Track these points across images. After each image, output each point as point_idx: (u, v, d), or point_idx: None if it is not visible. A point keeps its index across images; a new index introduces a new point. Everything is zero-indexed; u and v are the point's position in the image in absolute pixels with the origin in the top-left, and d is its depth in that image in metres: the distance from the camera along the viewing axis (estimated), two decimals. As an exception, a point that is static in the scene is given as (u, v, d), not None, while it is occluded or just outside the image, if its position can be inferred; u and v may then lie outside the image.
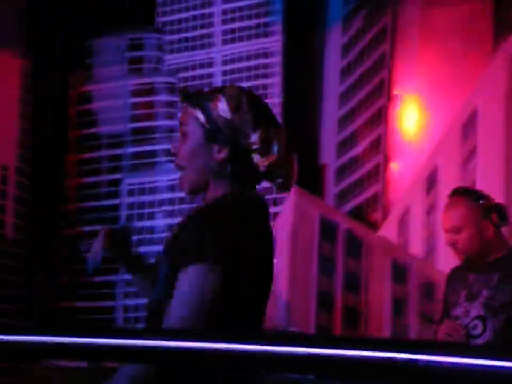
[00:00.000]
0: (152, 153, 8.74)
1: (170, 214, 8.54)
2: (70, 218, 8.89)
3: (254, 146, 2.13)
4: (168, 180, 8.59)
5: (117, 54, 8.91)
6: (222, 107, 2.15)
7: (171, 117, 8.77)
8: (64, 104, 8.95)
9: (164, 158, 8.67)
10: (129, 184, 8.77)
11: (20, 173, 8.30)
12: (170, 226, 8.52)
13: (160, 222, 8.56)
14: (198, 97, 2.20)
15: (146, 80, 8.87)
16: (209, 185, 2.13)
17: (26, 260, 8.18)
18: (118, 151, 8.83)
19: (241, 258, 1.99)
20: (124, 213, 8.72)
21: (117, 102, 8.89)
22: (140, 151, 8.79)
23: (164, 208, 8.60)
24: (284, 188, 2.13)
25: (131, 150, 8.82)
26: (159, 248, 8.50)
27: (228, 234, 2.00)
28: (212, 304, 1.94)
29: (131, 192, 8.74)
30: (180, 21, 8.85)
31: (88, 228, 8.77)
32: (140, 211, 8.69)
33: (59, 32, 8.06)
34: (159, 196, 8.63)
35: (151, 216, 8.63)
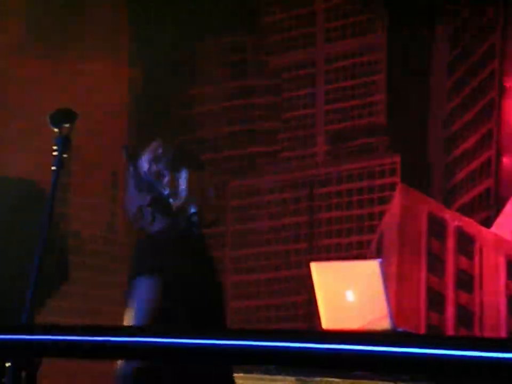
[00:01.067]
0: (255, 156, 8.74)
1: (273, 215, 8.52)
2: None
3: (166, 191, 2.52)
4: (271, 182, 8.57)
5: (218, 57, 8.95)
6: (144, 159, 2.55)
7: (272, 118, 8.76)
8: (168, 108, 9.05)
9: (266, 160, 8.66)
10: (233, 187, 8.78)
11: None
12: (273, 228, 8.50)
13: (264, 223, 8.54)
14: (133, 153, 2.62)
15: (248, 82, 8.88)
16: (147, 220, 2.53)
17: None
18: (220, 154, 8.86)
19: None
20: (228, 216, 8.73)
21: (219, 105, 8.93)
22: (242, 154, 8.80)
23: (266, 210, 8.58)
24: (198, 226, 2.52)
25: (233, 152, 8.84)
26: (264, 249, 8.50)
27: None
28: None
29: (234, 195, 8.76)
30: (281, 21, 8.84)
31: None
32: (243, 213, 8.70)
33: (165, 37, 8.15)
34: (262, 198, 8.62)
35: (254, 218, 8.62)
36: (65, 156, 2.42)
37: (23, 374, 2.27)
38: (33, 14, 7.07)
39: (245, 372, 3.31)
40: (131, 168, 2.58)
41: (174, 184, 2.53)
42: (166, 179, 2.54)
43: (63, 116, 2.42)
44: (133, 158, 2.61)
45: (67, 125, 2.40)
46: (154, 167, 2.54)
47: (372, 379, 2.98)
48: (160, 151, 2.57)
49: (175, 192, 2.52)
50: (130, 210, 2.58)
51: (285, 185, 8.44)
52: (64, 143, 2.37)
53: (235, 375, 2.57)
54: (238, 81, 8.91)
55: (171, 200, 2.52)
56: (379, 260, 3.19)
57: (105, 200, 8.60)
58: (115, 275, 7.76)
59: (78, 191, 8.30)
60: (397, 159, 7.89)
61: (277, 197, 8.51)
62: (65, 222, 7.87)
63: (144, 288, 2.41)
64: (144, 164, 2.56)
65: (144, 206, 2.54)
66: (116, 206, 8.63)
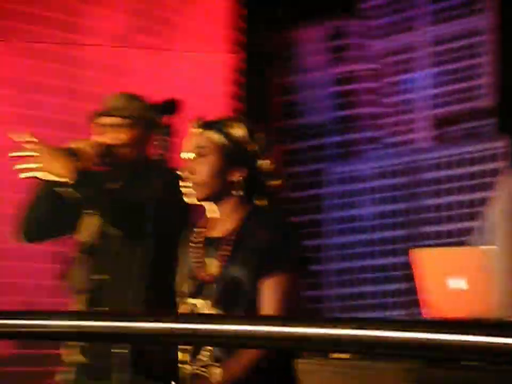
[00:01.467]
0: (357, 141, 8.66)
1: (376, 202, 8.42)
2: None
3: (265, 170, 2.48)
4: (373, 168, 8.47)
5: (321, 43, 8.90)
6: (241, 133, 2.48)
7: (375, 104, 8.65)
8: (269, 95, 9.05)
9: (368, 146, 8.57)
10: (334, 173, 8.72)
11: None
12: (377, 215, 8.40)
13: (366, 210, 8.45)
14: (217, 123, 2.53)
15: (350, 68, 8.80)
16: (222, 201, 2.50)
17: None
18: (322, 141, 8.82)
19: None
20: (328, 203, 8.69)
21: (321, 92, 8.88)
22: (344, 140, 8.73)
23: (369, 196, 8.48)
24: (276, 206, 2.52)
25: (335, 139, 8.78)
26: (366, 236, 8.41)
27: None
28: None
29: (336, 181, 8.70)
30: (380, 6, 8.72)
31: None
32: (345, 200, 8.63)
33: (263, 24, 8.15)
34: (364, 184, 8.53)
35: (356, 205, 8.54)
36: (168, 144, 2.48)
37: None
38: (135, 4, 7.15)
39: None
40: (220, 137, 2.52)
41: (274, 165, 2.53)
42: (267, 158, 2.53)
43: (167, 105, 2.46)
44: (217, 128, 2.54)
45: (171, 115, 2.42)
46: (254, 143, 2.50)
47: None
48: (255, 128, 2.54)
49: (274, 172, 2.51)
50: (207, 186, 2.52)
51: (385, 171, 8.33)
52: (168, 132, 2.40)
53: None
54: (340, 67, 8.84)
55: (267, 179, 2.50)
56: (493, 246, 3.04)
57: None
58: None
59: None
60: (505, 143, 7.67)
61: (377, 183, 8.41)
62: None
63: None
64: (243, 137, 2.52)
65: (235, 181, 2.50)
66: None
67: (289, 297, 2.40)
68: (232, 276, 2.43)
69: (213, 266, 2.52)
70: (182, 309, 2.54)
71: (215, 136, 2.51)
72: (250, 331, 1.39)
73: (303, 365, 2.64)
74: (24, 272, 6.04)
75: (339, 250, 8.54)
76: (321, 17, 8.68)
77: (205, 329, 1.43)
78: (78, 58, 6.72)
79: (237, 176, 2.49)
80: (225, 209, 2.52)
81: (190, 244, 2.60)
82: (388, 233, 8.32)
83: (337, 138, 8.78)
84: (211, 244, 2.54)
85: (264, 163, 2.51)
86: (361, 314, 8.16)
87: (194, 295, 2.53)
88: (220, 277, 2.48)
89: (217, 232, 2.54)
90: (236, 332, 1.40)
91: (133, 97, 3.01)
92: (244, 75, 8.27)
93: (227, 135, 2.51)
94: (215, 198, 2.51)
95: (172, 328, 1.45)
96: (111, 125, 2.92)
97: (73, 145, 2.88)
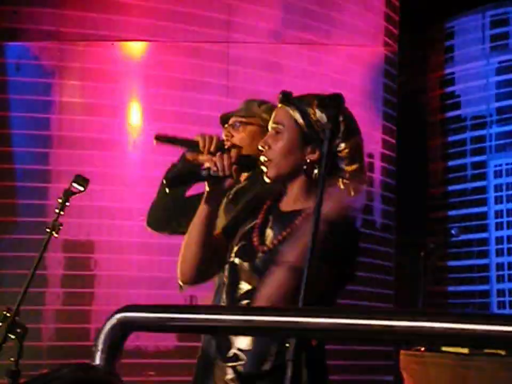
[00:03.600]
0: (519, 132, 8.36)
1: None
2: (436, 202, 8.81)
3: (343, 154, 2.39)
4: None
5: (479, 32, 8.66)
6: (320, 113, 2.39)
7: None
8: (424, 88, 8.91)
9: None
10: (496, 165, 8.46)
11: (385, 159, 8.36)
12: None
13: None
14: (298, 100, 2.45)
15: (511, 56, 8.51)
16: (293, 180, 2.43)
17: (394, 245, 8.23)
18: (482, 132, 8.58)
19: None
20: (491, 195, 8.44)
21: (480, 82, 8.64)
22: (505, 131, 8.45)
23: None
24: (353, 192, 2.41)
25: (496, 130, 8.52)
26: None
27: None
28: None
29: (498, 174, 8.44)
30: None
31: (453, 212, 8.64)
32: (508, 192, 8.35)
33: (420, 14, 8.04)
34: (528, 176, 8.23)
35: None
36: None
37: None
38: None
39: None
40: (298, 115, 2.47)
41: (354, 149, 2.50)
42: (347, 142, 2.49)
43: (331, 99, 2.35)
44: (297, 105, 2.48)
45: (335, 110, 2.33)
46: (333, 125, 2.34)
47: None
48: (338, 109, 2.38)
49: (353, 157, 2.49)
50: (281, 163, 2.49)
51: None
52: (332, 128, 2.30)
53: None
54: (500, 56, 8.56)
55: (344, 163, 2.48)
56: None
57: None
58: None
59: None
60: None
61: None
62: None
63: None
64: (321, 117, 2.45)
65: (309, 161, 2.47)
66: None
67: (326, 289, 2.35)
68: (283, 254, 2.35)
69: (269, 238, 2.48)
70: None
71: (294, 113, 2.46)
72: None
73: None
74: (152, 265, 6.26)
75: (506, 244, 8.26)
76: (479, 4, 8.45)
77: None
78: (234, 56, 6.86)
79: (310, 157, 2.44)
80: (295, 190, 2.48)
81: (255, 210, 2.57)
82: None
83: (497, 130, 8.51)
84: (276, 217, 2.49)
85: (342, 147, 2.44)
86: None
87: (239, 255, 2.50)
88: (272, 250, 2.43)
89: (284, 207, 2.51)
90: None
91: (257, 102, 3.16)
92: (397, 68, 8.19)
93: (306, 114, 2.44)
94: (287, 177, 2.47)
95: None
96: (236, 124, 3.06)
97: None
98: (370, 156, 8.48)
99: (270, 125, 2.54)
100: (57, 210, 2.98)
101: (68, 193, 2.55)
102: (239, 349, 2.40)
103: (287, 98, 2.49)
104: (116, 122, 6.48)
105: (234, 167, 2.49)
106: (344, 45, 7.48)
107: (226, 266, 2.53)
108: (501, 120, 8.47)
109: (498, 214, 8.34)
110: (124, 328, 1.51)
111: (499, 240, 8.31)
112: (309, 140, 2.45)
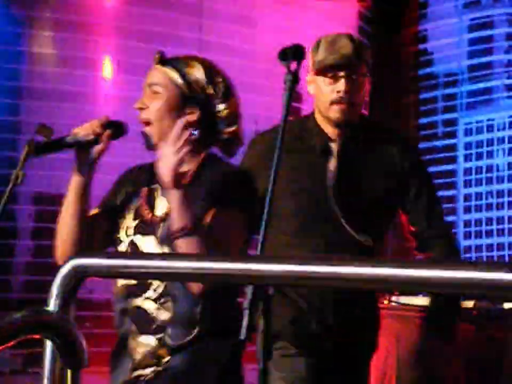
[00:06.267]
0: (489, 90, 8.40)
1: (506, 151, 8.18)
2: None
3: (222, 114, 2.40)
4: (508, 117, 8.21)
5: (452, -10, 8.64)
6: (199, 74, 2.39)
7: (510, 50, 8.34)
8: (398, 45, 8.89)
9: (501, 94, 8.30)
10: (466, 123, 8.52)
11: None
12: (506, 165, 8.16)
13: (499, 160, 8.22)
14: (175, 61, 2.45)
15: (484, 13, 8.51)
16: None
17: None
18: (454, 90, 8.61)
19: None
20: (460, 153, 8.51)
21: (452, 39, 8.64)
22: (477, 89, 8.49)
23: (502, 146, 8.24)
24: (231, 154, 2.49)
25: (467, 87, 8.55)
26: (499, 187, 8.19)
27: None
28: None
29: (468, 132, 8.50)
30: None
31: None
32: (477, 150, 8.42)
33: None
34: (497, 134, 8.29)
35: (489, 155, 8.32)
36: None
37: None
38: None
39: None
40: (176, 75, 2.51)
41: (232, 110, 2.60)
42: (225, 103, 2.59)
43: (293, 52, 2.34)
44: (174, 65, 2.52)
45: (296, 62, 2.33)
46: (212, 85, 2.51)
47: None
48: (217, 70, 2.51)
49: (232, 118, 2.59)
50: (160, 124, 2.57)
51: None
52: (292, 79, 2.31)
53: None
54: (473, 13, 8.56)
55: (223, 124, 2.58)
56: None
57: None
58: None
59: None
60: None
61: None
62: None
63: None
64: (201, 77, 2.51)
65: (188, 122, 2.51)
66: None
67: (232, 232, 2.39)
68: None
69: (162, 207, 2.49)
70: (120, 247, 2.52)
71: (171, 73, 2.45)
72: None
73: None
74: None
75: (469, 201, 8.37)
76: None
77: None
78: (208, 9, 6.81)
79: (190, 118, 2.42)
80: None
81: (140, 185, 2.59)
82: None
83: (468, 87, 8.54)
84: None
85: (220, 107, 2.44)
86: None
87: (136, 233, 2.51)
88: (168, 217, 2.42)
89: None
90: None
91: None
92: (371, 24, 8.19)
93: (183, 74, 2.44)
94: (166, 138, 2.42)
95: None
96: None
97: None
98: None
99: (146, 86, 2.53)
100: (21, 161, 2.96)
101: (31, 144, 2.54)
102: (162, 321, 2.42)
103: (164, 60, 2.48)
104: (88, 74, 6.43)
105: (107, 132, 2.51)
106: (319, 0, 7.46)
107: (125, 244, 2.52)
108: (472, 77, 8.50)
109: (467, 171, 8.42)
110: (79, 274, 1.54)
111: (467, 197, 8.40)
112: (188, 100, 2.45)
